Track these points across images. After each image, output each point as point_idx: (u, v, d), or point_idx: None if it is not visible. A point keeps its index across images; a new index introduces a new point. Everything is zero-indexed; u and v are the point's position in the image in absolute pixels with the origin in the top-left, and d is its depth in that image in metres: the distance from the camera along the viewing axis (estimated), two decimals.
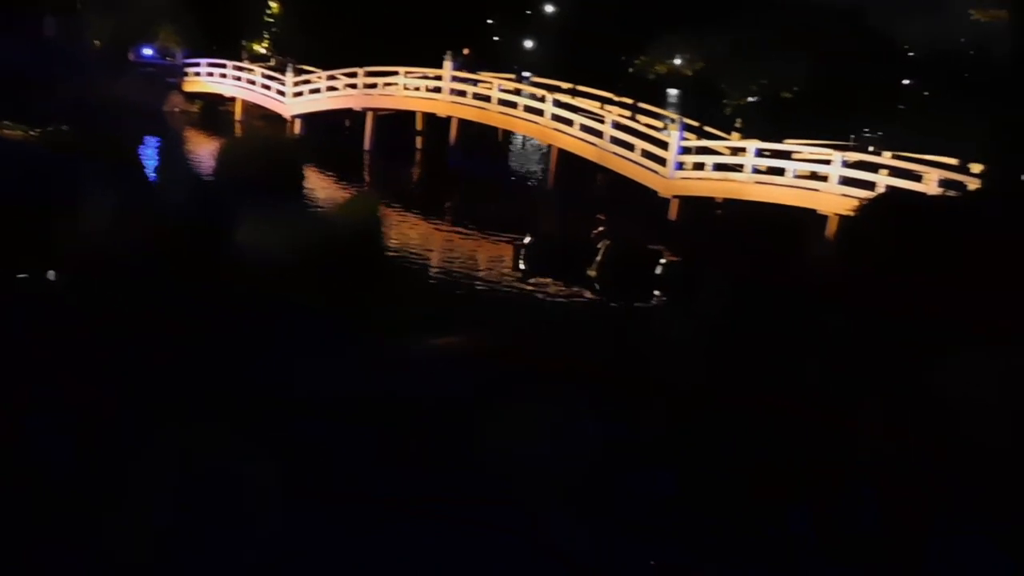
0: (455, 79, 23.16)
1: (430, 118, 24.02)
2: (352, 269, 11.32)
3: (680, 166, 19.13)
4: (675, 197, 18.96)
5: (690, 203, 18.83)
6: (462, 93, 23.01)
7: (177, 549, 5.28)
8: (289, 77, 26.08)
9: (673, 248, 14.23)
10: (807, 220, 16.79)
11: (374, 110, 24.63)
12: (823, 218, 16.63)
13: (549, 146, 22.16)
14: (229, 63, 28.11)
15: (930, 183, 16.05)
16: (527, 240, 14.30)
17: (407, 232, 16.85)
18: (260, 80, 27.09)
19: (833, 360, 8.63)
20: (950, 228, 10.44)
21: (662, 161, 19.22)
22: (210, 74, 28.45)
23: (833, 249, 13.84)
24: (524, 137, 25.68)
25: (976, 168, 16.21)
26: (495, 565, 5.47)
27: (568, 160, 21.16)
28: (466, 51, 24.01)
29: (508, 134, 26.09)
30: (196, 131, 26.32)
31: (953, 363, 7.87)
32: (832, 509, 6.85)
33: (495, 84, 22.74)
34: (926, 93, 27.59)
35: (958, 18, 22.40)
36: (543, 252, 14.05)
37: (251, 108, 27.51)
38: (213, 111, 28.31)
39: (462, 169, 22.75)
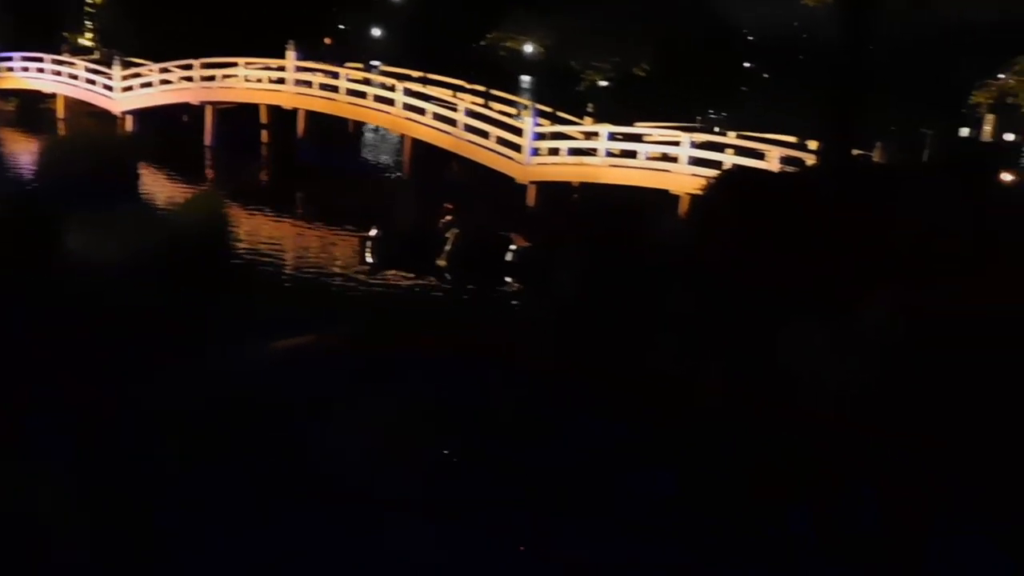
0: (301, 69, 22.18)
1: (276, 111, 22.86)
2: (194, 271, 10.58)
3: (535, 152, 19.05)
4: (532, 183, 18.87)
5: (547, 188, 18.78)
6: (308, 84, 22.05)
7: None
8: (116, 71, 24.17)
9: (530, 233, 14.11)
10: (661, 200, 17.08)
11: (213, 104, 23.19)
12: (676, 198, 16.96)
13: (403, 136, 21.60)
14: (47, 57, 25.76)
15: (772, 160, 16.73)
16: (373, 233, 13.83)
17: (253, 230, 15.89)
18: (84, 75, 24.96)
19: (676, 332, 8.75)
20: (788, 203, 10.78)
21: (517, 148, 19.09)
22: (25, 69, 25.95)
23: (684, 227, 14.12)
24: (378, 128, 24.94)
25: (813, 145, 16.96)
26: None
27: (423, 150, 20.65)
28: (328, 40, 23.02)
29: (360, 125, 25.24)
30: (12, 131, 24.02)
31: (789, 331, 8.11)
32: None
33: (343, 74, 21.91)
34: (765, 75, 28.87)
35: (790, 3, 23.45)
36: (392, 244, 13.64)
37: (76, 105, 25.31)
38: (32, 109, 25.91)
39: (312, 162, 21.80)
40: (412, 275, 13.07)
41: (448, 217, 13.78)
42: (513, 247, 13.37)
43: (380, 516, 5.92)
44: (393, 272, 13.26)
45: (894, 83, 20.88)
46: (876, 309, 8.37)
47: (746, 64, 30.96)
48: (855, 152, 16.02)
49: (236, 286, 11.88)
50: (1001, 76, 22.30)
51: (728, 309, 8.79)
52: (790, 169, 15.49)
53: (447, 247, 13.25)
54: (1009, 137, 20.21)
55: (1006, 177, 15.06)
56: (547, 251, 13.23)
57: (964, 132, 20.12)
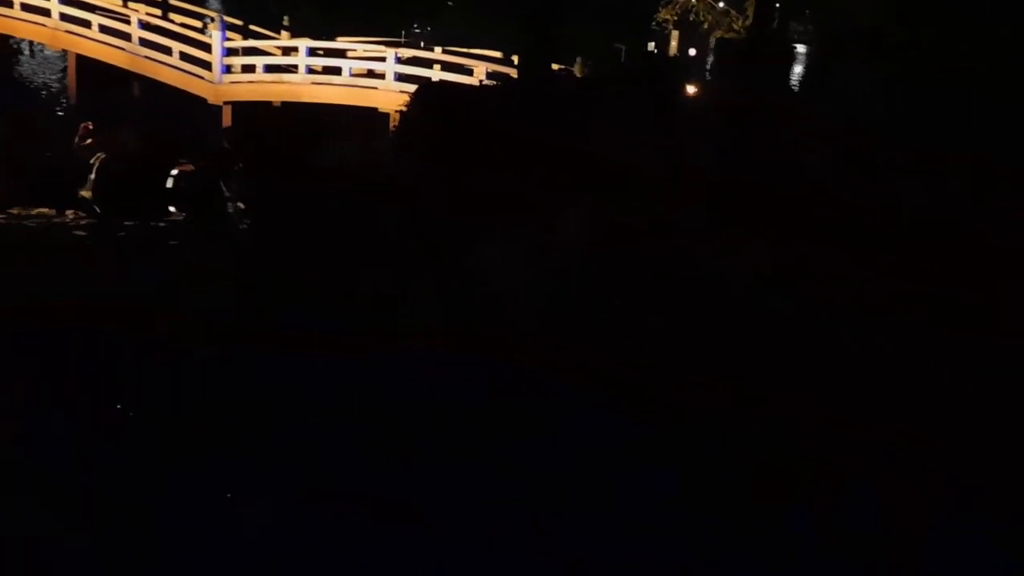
0: None
1: None
2: None
3: (227, 69, 17.23)
4: (227, 103, 17.11)
5: (245, 109, 17.12)
6: None
7: None
8: None
9: (208, 158, 12.53)
10: (371, 119, 16.27)
11: None
12: (386, 116, 16.20)
13: (65, 53, 18.55)
14: None
15: (480, 76, 16.53)
16: None
17: None
18: None
19: (366, 257, 8.08)
20: (482, 116, 10.46)
21: (207, 65, 17.19)
22: None
23: (386, 146, 13.43)
24: (33, 43, 21.18)
25: (517, 59, 16.94)
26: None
27: (96, 69, 17.88)
28: None
29: (8, 40, 21.27)
30: None
31: (483, 250, 7.83)
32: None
33: None
34: None
35: None
36: (20, 176, 11.47)
37: None
38: None
39: None
40: (52, 210, 11.04)
41: (89, 140, 11.75)
42: (174, 172, 11.67)
43: None
44: (20, 209, 11.14)
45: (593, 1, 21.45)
46: (568, 224, 8.31)
47: None
48: (557, 67, 16.24)
49: None
50: None
51: (425, 229, 8.27)
52: (489, 83, 15.35)
53: (92, 176, 11.29)
54: (692, 52, 21.64)
55: (690, 89, 15.99)
56: (221, 177, 11.75)
57: (651, 47, 21.20)
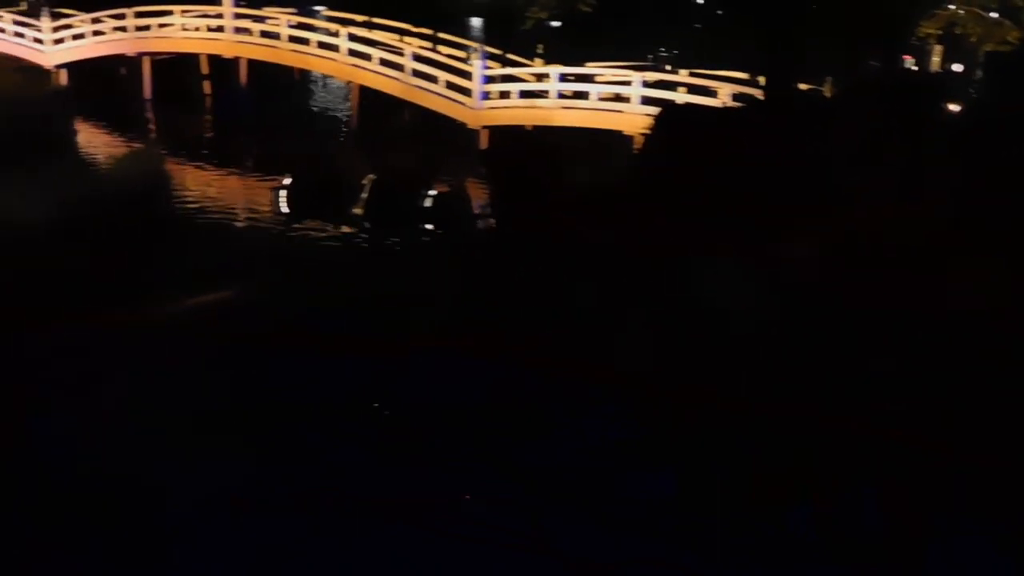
0: (239, 16, 21.38)
1: (217, 60, 22.09)
2: (130, 227, 10.23)
3: (486, 96, 18.70)
4: (484, 128, 18.56)
5: (500, 132, 18.45)
6: (247, 31, 21.29)
7: None
8: (45, 22, 23.11)
9: (478, 179, 13.74)
10: (616, 141, 16.93)
11: (150, 55, 22.35)
12: (630, 138, 16.81)
13: (349, 84, 21.05)
14: None
15: (724, 97, 16.68)
16: (287, 181, 13.37)
17: (188, 185, 15.56)
18: (11, 27, 23.84)
19: (587, 280, 8.51)
20: (719, 137, 10.63)
21: (467, 92, 18.74)
22: None
23: (626, 168, 13.96)
24: (325, 75, 24.26)
25: (763, 80, 16.88)
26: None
27: (373, 97, 20.15)
28: None
29: (306, 73, 24.51)
30: None
31: (710, 274, 8.00)
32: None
33: (283, 20, 21.17)
34: (719, 12, 28.38)
35: None
36: (307, 193, 13.22)
37: (3, 60, 24.22)
38: None
39: (256, 113, 21.17)
40: (327, 225, 12.66)
41: (363, 162, 13.30)
42: (432, 193, 12.86)
43: None
44: (308, 223, 12.86)
45: (845, 17, 20.74)
46: (804, 248, 8.33)
47: (699, 0, 30.48)
48: (805, 86, 15.99)
49: (164, 243, 11.42)
50: (951, 7, 22.24)
51: (661, 248, 8.63)
52: (734, 104, 15.45)
53: (363, 195, 12.83)
54: (957, 67, 20.29)
55: (952, 107, 15.08)
56: (468, 196, 12.87)
57: (910, 64, 20.13)
